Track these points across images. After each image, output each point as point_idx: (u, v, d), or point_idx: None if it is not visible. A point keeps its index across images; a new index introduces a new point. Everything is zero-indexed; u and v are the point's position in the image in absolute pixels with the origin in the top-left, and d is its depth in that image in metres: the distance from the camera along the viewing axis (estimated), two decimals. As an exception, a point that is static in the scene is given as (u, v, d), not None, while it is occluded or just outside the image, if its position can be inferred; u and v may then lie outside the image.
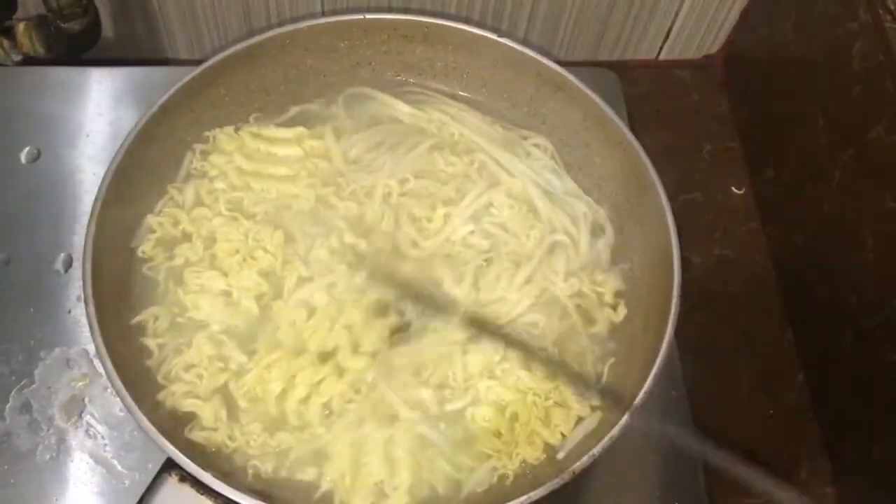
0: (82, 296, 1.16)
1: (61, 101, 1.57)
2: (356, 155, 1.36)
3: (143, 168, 1.23)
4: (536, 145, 1.37)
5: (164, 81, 1.30)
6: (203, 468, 1.00)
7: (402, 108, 1.40)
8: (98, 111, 1.57)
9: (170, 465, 1.02)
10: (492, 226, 1.30)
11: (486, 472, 1.13)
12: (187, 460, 0.98)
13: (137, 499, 1.16)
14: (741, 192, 1.68)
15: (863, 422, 1.35)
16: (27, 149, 1.52)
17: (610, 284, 1.26)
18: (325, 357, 1.18)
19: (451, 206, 1.30)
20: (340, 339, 1.18)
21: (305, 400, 1.15)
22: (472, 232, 1.29)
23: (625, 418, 1.07)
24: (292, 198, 1.30)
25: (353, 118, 1.39)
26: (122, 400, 1.02)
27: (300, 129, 1.35)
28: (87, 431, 1.30)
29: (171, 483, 0.99)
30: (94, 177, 1.49)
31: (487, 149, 1.35)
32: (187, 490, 0.99)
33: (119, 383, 1.02)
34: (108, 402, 1.32)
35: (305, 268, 1.23)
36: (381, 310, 1.22)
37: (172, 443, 1.01)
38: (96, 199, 1.13)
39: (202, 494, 0.99)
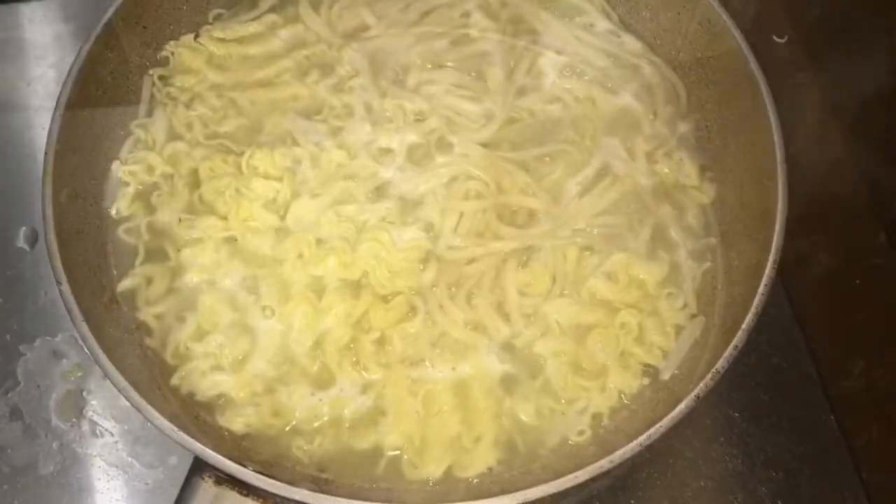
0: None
1: (7, 55, 1.32)
2: (348, 25, 1.12)
3: (96, 105, 1.01)
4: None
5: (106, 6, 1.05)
6: (243, 463, 0.79)
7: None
8: (36, 54, 1.32)
9: (200, 466, 0.80)
10: (546, 102, 1.07)
11: (574, 415, 0.93)
12: (222, 458, 0.77)
13: (164, 498, 1.02)
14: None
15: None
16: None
17: (690, 160, 1.04)
18: (356, 288, 0.97)
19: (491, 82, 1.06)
20: (368, 262, 0.97)
21: (350, 344, 0.94)
22: (526, 111, 1.07)
23: (747, 320, 0.85)
24: (289, 100, 1.07)
25: None
26: (128, 397, 0.80)
27: (270, 17, 1.13)
28: (92, 430, 1.10)
29: (206, 488, 0.78)
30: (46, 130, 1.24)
31: (526, 7, 1.11)
32: (227, 493, 0.78)
33: (118, 376, 0.81)
34: (112, 392, 1.10)
35: (317, 181, 1.02)
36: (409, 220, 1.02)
37: (201, 438, 0.79)
38: (47, 151, 0.89)
39: (246, 496, 0.78)
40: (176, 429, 0.80)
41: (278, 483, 0.77)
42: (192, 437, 0.80)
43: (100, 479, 1.08)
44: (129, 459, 1.09)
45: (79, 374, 1.13)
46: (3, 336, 1.15)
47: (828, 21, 1.40)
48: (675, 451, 1.10)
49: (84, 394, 1.12)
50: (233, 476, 0.79)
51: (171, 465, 1.08)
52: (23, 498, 1.07)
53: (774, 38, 1.46)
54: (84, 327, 0.83)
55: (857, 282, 1.26)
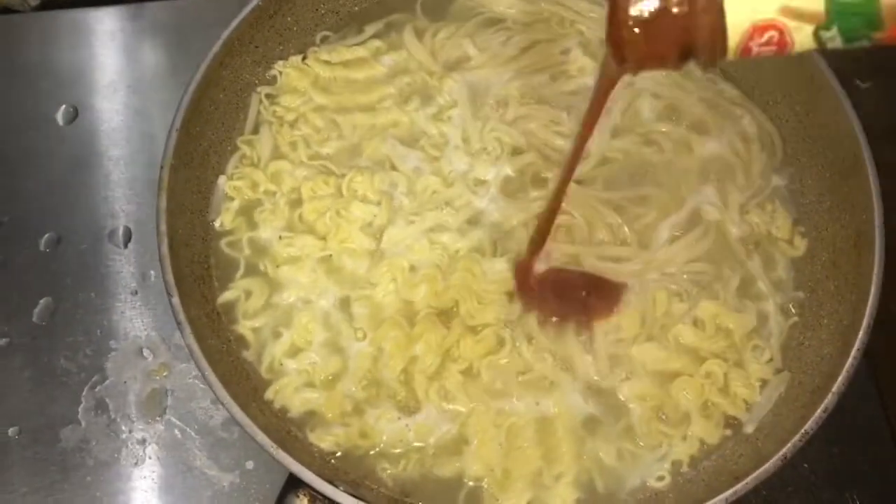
0: (153, 275, 0.98)
1: (90, 48, 1.36)
2: (450, 56, 1.14)
3: (208, 122, 1.03)
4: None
5: (199, 16, 1.16)
6: (334, 482, 0.81)
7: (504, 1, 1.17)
8: (134, 57, 1.37)
9: (294, 484, 0.83)
10: (641, 144, 1.09)
11: (653, 461, 0.94)
12: (319, 479, 0.80)
13: (241, 501, 1.05)
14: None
15: None
16: (62, 108, 1.32)
17: (783, 213, 1.04)
18: (446, 317, 1.00)
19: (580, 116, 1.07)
20: (459, 292, 0.99)
21: (438, 372, 0.97)
22: (621, 152, 1.08)
23: (838, 383, 0.86)
24: (389, 126, 1.10)
25: (437, 16, 1.17)
26: (231, 411, 0.84)
27: (375, 43, 1.15)
28: (173, 430, 1.13)
29: (300, 506, 0.81)
30: (142, 134, 1.30)
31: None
32: (320, 512, 0.81)
33: (223, 391, 0.84)
34: (194, 394, 1.15)
35: (413, 208, 1.05)
36: (498, 251, 1.04)
37: (295, 455, 0.82)
38: (162, 166, 0.93)
39: (338, 515, 0.81)
40: (275, 446, 0.82)
41: (369, 506, 0.80)
42: (291, 454, 0.83)
43: (178, 479, 1.11)
44: (208, 461, 1.11)
45: (164, 374, 1.16)
46: (94, 330, 1.18)
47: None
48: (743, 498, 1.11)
49: (167, 394, 1.15)
50: (326, 497, 0.81)
51: (248, 469, 1.11)
52: (104, 491, 1.10)
53: (857, 82, 1.46)
54: (192, 340, 0.86)
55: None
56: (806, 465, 1.14)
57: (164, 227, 0.90)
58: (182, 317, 0.86)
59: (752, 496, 1.09)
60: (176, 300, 0.87)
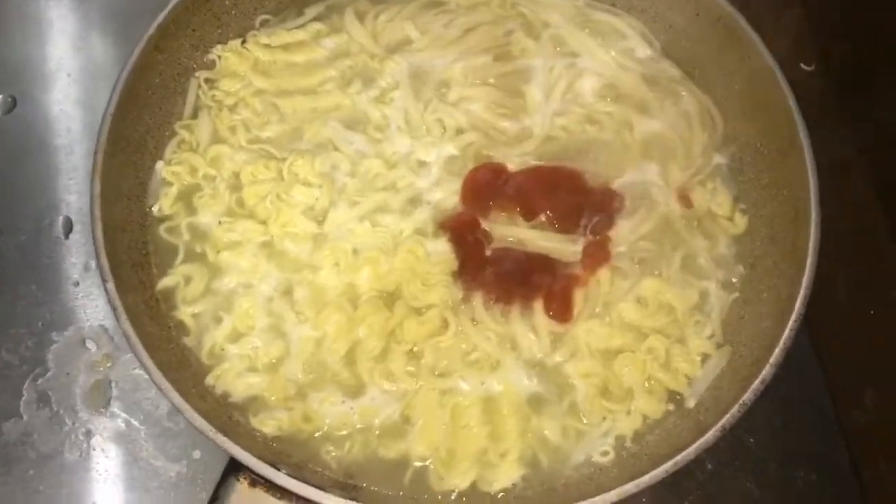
0: (95, 265, 0.96)
1: (28, 37, 1.34)
2: (392, 38, 1.13)
3: (144, 106, 1.02)
4: (624, 24, 1.14)
5: (145, 3, 1.08)
6: (277, 465, 0.81)
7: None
8: (74, 45, 1.33)
9: (235, 467, 0.82)
10: (583, 123, 1.09)
11: (598, 437, 0.95)
12: (260, 462, 0.79)
13: (185, 493, 1.04)
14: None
15: None
16: (0, 98, 1.28)
17: (724, 191, 1.05)
18: (389, 299, 0.99)
19: (529, 100, 1.08)
20: (403, 274, 0.99)
21: (382, 354, 0.97)
22: (563, 130, 1.09)
23: (775, 354, 0.87)
24: (331, 109, 1.09)
25: (379, 0, 1.17)
26: (168, 396, 0.83)
27: (315, 26, 1.14)
28: (118, 421, 1.11)
29: (241, 489, 0.80)
30: (84, 124, 1.28)
31: (568, 29, 1.12)
32: (261, 495, 0.81)
33: (160, 377, 0.83)
34: (138, 385, 1.13)
35: (355, 190, 1.04)
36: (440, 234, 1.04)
37: (236, 439, 0.81)
38: (96, 151, 0.92)
39: (279, 499, 0.80)
40: (214, 430, 0.81)
41: (313, 489, 0.79)
42: (231, 438, 0.82)
43: (123, 470, 1.09)
44: (154, 451, 1.10)
45: (108, 365, 1.14)
46: (35, 322, 1.16)
47: (856, 54, 1.41)
48: (688, 472, 1.12)
49: (112, 384, 1.13)
50: (268, 479, 0.81)
51: (195, 458, 1.10)
52: (47, 483, 1.08)
53: (802, 65, 1.47)
54: (128, 325, 0.85)
55: (872, 312, 1.28)
56: (752, 440, 1.15)
57: (97, 213, 0.89)
58: (117, 302, 0.85)
59: (699, 471, 1.11)
60: (111, 286, 0.86)
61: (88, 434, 1.11)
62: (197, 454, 1.10)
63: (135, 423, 1.12)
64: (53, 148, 1.27)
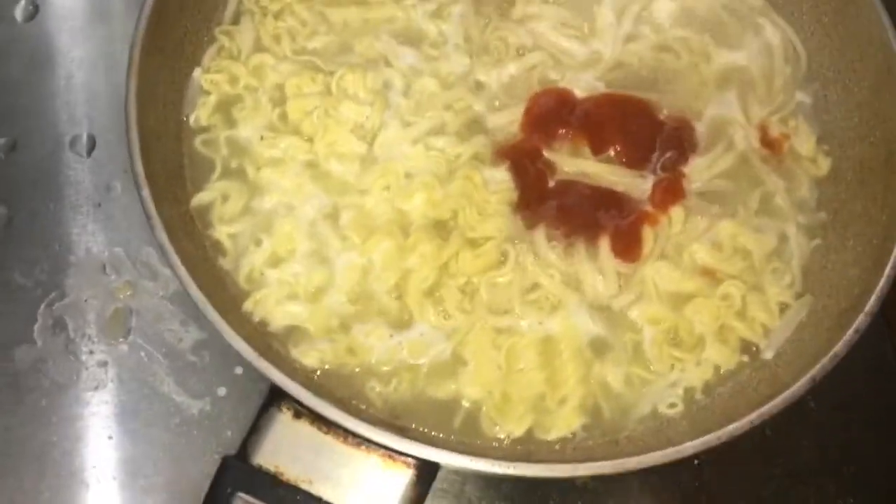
0: (119, 185, 0.90)
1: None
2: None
3: (184, 6, 0.93)
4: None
5: None
6: (324, 398, 0.73)
7: None
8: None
9: (278, 397, 0.75)
10: (657, 50, 1.00)
11: (665, 387, 0.87)
12: (308, 393, 0.71)
13: (209, 431, 0.98)
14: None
15: None
16: (21, 3, 1.19)
17: (806, 130, 0.97)
18: (443, 228, 0.91)
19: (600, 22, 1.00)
20: (458, 202, 0.91)
21: (434, 287, 0.89)
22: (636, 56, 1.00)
23: (871, 303, 0.79)
24: (383, 22, 1.00)
25: None
26: (208, 315, 0.74)
27: (370, -70, 1.04)
28: (138, 353, 1.04)
29: (284, 420, 0.73)
30: (108, 36, 1.19)
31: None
32: (306, 428, 0.73)
33: (198, 293, 0.75)
34: (161, 316, 1.06)
35: (409, 110, 0.96)
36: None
37: (281, 368, 0.73)
38: (132, 45, 0.82)
39: (326, 433, 0.72)
40: (258, 355, 0.74)
41: (365, 424, 0.71)
42: (275, 364, 0.74)
43: (142, 404, 1.03)
44: (176, 387, 1.04)
45: (128, 293, 1.07)
46: (52, 244, 1.08)
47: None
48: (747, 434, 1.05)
49: (132, 314, 1.06)
50: (313, 411, 0.73)
51: (220, 396, 1.03)
52: (61, 415, 1.01)
53: None
54: (164, 236, 0.77)
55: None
56: (812, 404, 1.08)
57: (133, 112, 0.80)
58: (153, 211, 0.77)
59: (755, 432, 1.04)
60: (146, 193, 0.77)
61: (106, 365, 1.04)
62: (222, 391, 1.03)
63: (156, 355, 1.05)
64: (75, 60, 1.18)
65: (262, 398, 0.78)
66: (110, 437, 1.01)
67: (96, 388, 1.03)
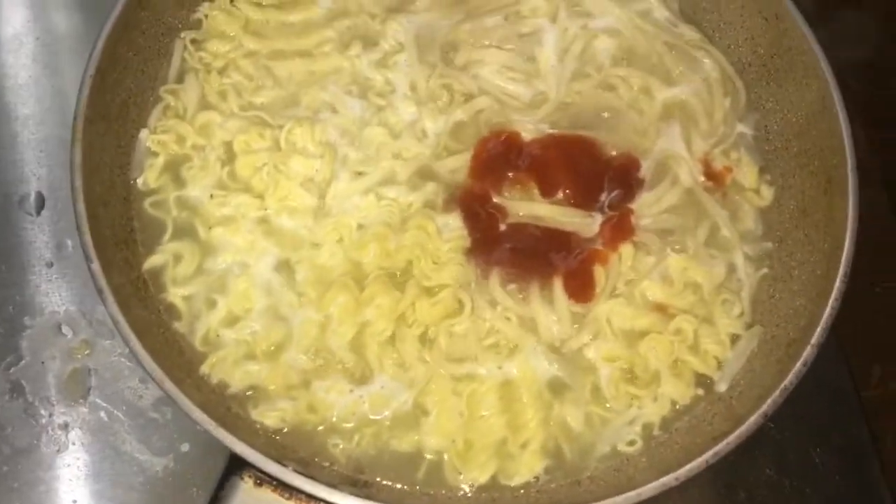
0: (71, 244, 0.92)
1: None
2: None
3: (126, 69, 0.93)
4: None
5: None
6: (285, 463, 0.73)
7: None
8: (43, 6, 1.23)
9: (238, 465, 0.75)
10: (600, 88, 1.02)
11: (623, 424, 0.89)
12: (267, 459, 0.71)
13: (175, 489, 0.98)
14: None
15: None
16: (-39, 63, 1.19)
17: (749, 161, 0.99)
18: (398, 279, 0.92)
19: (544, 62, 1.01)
20: (413, 251, 0.92)
21: (392, 338, 0.90)
22: (579, 96, 1.02)
23: (816, 334, 0.81)
24: (329, 73, 1.01)
25: None
26: (163, 386, 0.75)
27: (312, -19, 1.05)
28: (98, 413, 1.03)
29: (246, 489, 0.73)
30: (54, 91, 1.18)
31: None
32: (268, 495, 0.73)
33: (153, 364, 0.75)
34: (120, 373, 1.05)
35: (359, 161, 0.96)
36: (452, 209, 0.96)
37: (238, 433, 0.73)
38: (76, 116, 0.83)
39: (288, 499, 0.73)
40: (215, 424, 0.74)
41: (325, 487, 0.72)
42: (232, 433, 0.74)
43: (106, 465, 1.02)
44: (139, 445, 1.03)
45: (86, 352, 1.06)
46: (5, 307, 1.07)
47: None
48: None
49: (91, 373, 1.05)
50: (275, 477, 0.73)
51: (183, 452, 1.02)
52: (23, 480, 1.00)
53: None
54: (115, 309, 0.77)
55: (878, 290, 1.24)
56: (772, 425, 1.10)
57: (79, 184, 0.80)
58: (103, 283, 0.77)
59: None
60: (96, 266, 0.77)
61: (66, 426, 1.03)
62: (186, 447, 1.02)
63: (117, 414, 1.04)
64: (21, 117, 1.17)
65: (225, 454, 0.78)
66: (74, 501, 1.00)
67: (58, 451, 1.02)
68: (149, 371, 0.75)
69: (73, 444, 1.02)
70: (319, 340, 0.89)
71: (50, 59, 1.20)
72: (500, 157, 0.97)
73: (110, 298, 0.76)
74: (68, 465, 1.01)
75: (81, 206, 0.80)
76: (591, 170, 0.97)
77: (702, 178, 0.99)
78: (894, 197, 1.30)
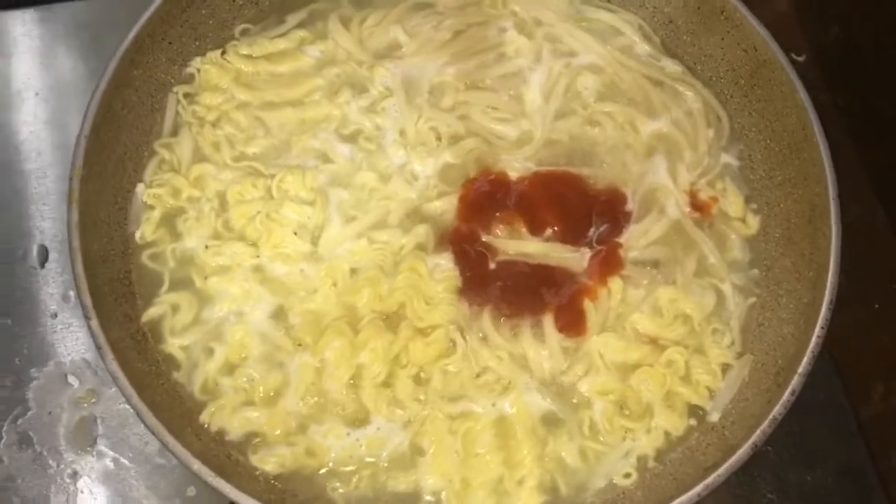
0: (75, 296, 0.92)
1: (-7, 54, 1.26)
2: (380, 43, 1.08)
3: (121, 126, 0.96)
4: (621, 20, 1.10)
5: (112, 15, 1.11)
6: (284, 511, 0.75)
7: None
8: (43, 62, 1.27)
9: (238, 512, 0.76)
10: (585, 125, 1.05)
11: (618, 458, 0.90)
12: (265, 509, 0.73)
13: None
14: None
15: None
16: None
17: (734, 191, 1.01)
18: (392, 320, 0.94)
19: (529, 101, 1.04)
20: (405, 293, 0.94)
21: (387, 380, 0.91)
22: (565, 133, 1.04)
23: (803, 363, 0.82)
24: (320, 121, 1.03)
25: (363, 3, 1.11)
26: (162, 439, 0.76)
27: (299, 34, 1.08)
28: (106, 461, 1.05)
29: (247, 538, 0.74)
30: (55, 145, 1.21)
31: (562, 27, 1.08)
32: (268, 543, 0.74)
33: (152, 419, 0.77)
34: (126, 421, 1.07)
35: (350, 205, 0.99)
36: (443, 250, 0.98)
37: (236, 481, 0.76)
38: (72, 176, 0.86)
39: (288, 545, 0.74)
40: (214, 475, 0.76)
41: (324, 534, 0.73)
42: (230, 481, 0.76)
43: (114, 512, 1.03)
44: (146, 491, 1.04)
45: (92, 401, 1.08)
46: (12, 359, 1.09)
47: (845, 43, 1.38)
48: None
49: (97, 421, 1.07)
50: (274, 526, 0.75)
51: (190, 496, 1.04)
52: (38, 530, 1.02)
53: (792, 55, 1.43)
54: (115, 366, 0.79)
55: (877, 306, 1.24)
56: (770, 448, 1.11)
57: (76, 244, 0.82)
58: (102, 341, 0.79)
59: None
60: (95, 323, 0.79)
61: (75, 475, 1.05)
62: (192, 491, 1.04)
63: (123, 461, 1.05)
64: (24, 172, 1.20)
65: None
66: (84, 550, 1.02)
67: (67, 500, 1.04)
68: (148, 425, 0.77)
69: (82, 492, 1.04)
70: (316, 385, 0.91)
71: (51, 113, 1.23)
72: (487, 197, 0.99)
73: (109, 355, 0.79)
74: (79, 513, 1.03)
75: (80, 267, 0.82)
76: (579, 205, 0.99)
77: (688, 209, 1.01)
78: (891, 214, 1.31)
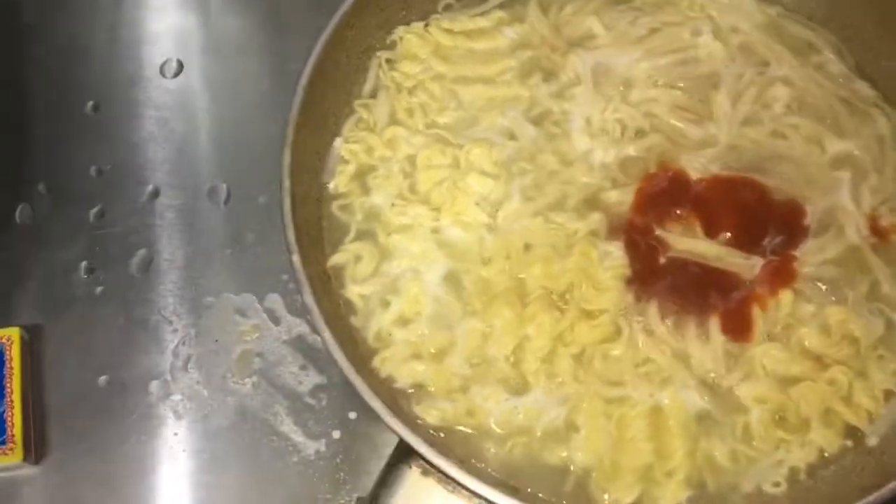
0: (253, 238, 1.08)
1: (200, 7, 1.35)
2: (575, 32, 1.10)
3: (330, 82, 1.02)
4: (819, 38, 1.10)
5: None
6: (447, 457, 0.79)
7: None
8: (241, 17, 1.34)
9: (405, 454, 0.81)
10: (770, 135, 1.05)
11: (769, 465, 0.90)
12: (435, 452, 0.77)
13: (324, 472, 1.05)
14: None
15: None
16: (165, 61, 1.30)
17: (917, 217, 1.00)
18: (559, 299, 0.96)
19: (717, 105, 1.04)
20: (575, 275, 0.96)
21: (549, 355, 0.93)
22: (749, 140, 1.04)
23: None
24: (509, 100, 1.06)
25: None
26: (347, 374, 0.82)
27: (498, 14, 1.12)
28: (261, 393, 1.11)
29: (413, 477, 0.78)
30: (246, 92, 1.28)
31: (758, 37, 1.09)
32: (432, 486, 0.78)
33: (340, 354, 0.82)
34: (283, 359, 1.14)
35: (531, 185, 1.01)
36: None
37: (406, 424, 0.79)
38: (289, 122, 0.90)
39: (451, 492, 0.78)
40: (391, 413, 0.80)
41: (492, 489, 0.77)
42: (402, 421, 0.80)
43: (263, 442, 1.09)
44: (295, 427, 1.10)
45: (255, 336, 1.14)
46: (189, 287, 1.17)
47: None
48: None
49: (257, 356, 1.13)
50: (442, 470, 0.79)
51: (335, 438, 1.09)
52: (192, 448, 1.09)
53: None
54: (311, 299, 0.84)
55: None
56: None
57: (287, 184, 0.88)
58: (302, 275, 0.85)
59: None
60: (296, 258, 0.85)
61: (233, 402, 1.11)
62: (337, 434, 1.09)
63: (278, 396, 1.11)
64: (215, 116, 1.28)
65: (372, 444, 0.83)
66: (233, 469, 1.09)
67: (226, 424, 1.10)
68: (337, 359, 0.82)
69: (238, 418, 1.10)
70: (481, 349, 0.94)
71: (243, 71, 1.30)
72: (665, 193, 1.01)
73: (307, 289, 0.84)
74: (231, 439, 1.09)
75: (288, 205, 0.88)
76: (757, 213, 1.00)
77: (867, 233, 1.00)
78: None
